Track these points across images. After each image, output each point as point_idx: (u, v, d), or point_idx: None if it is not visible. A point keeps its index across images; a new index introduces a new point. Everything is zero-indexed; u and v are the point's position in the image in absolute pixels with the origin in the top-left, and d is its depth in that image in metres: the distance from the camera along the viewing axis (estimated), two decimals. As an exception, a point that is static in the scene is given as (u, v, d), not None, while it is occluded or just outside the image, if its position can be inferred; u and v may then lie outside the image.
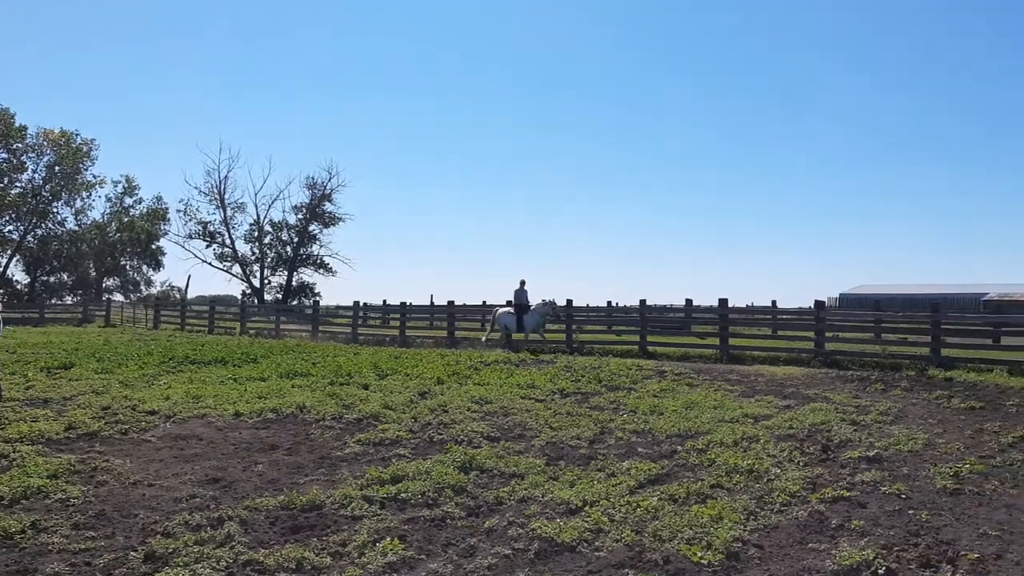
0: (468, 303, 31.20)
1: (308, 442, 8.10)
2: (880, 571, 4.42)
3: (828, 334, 17.28)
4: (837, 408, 10.09)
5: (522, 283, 21.64)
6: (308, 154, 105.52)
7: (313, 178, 52.72)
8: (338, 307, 32.08)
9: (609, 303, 35.96)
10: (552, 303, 21.18)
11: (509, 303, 22.26)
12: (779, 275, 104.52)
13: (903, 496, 6.05)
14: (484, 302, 31.46)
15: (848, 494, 6.04)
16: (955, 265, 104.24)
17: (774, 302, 31.43)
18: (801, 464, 7.07)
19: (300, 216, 52.95)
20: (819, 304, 17.92)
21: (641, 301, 20.87)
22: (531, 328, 20.96)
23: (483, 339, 21.48)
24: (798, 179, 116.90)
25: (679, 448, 7.77)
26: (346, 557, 4.68)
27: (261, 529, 5.21)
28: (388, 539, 4.91)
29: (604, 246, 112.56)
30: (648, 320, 20.05)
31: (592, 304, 32.73)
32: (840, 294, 57.63)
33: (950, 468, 6.89)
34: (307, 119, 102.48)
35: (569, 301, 21.74)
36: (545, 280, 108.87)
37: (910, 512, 5.64)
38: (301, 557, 4.58)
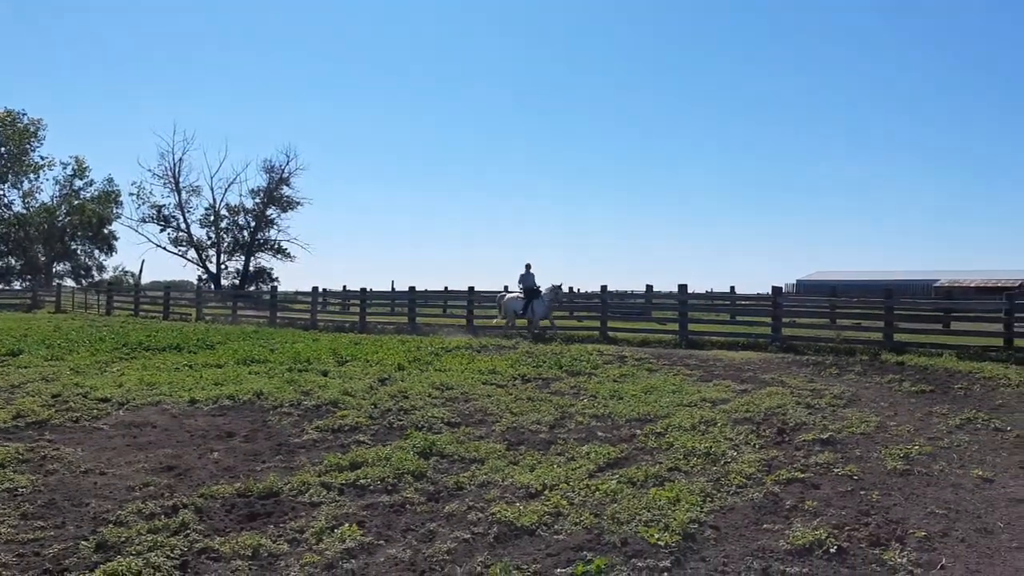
0: (430, 289, 31.08)
1: (265, 429, 7.99)
2: (831, 550, 4.52)
3: (785, 320, 17.60)
4: (793, 392, 10.28)
5: (528, 267, 20.43)
6: (266, 137, 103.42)
7: (271, 161, 51.88)
8: (297, 293, 31.71)
9: (571, 289, 36.15)
10: (559, 288, 20.30)
11: (506, 288, 21.38)
12: (738, 261, 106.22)
13: (855, 477, 6.19)
14: (446, 288, 31.36)
15: (802, 476, 6.17)
16: (908, 253, 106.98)
17: (733, 288, 31.94)
18: (757, 447, 7.19)
19: (257, 200, 52.11)
20: (776, 290, 18.20)
21: (602, 287, 21.05)
22: (541, 315, 19.75)
23: (494, 323, 20.88)
24: (758, 168, 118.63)
25: (638, 432, 7.85)
26: (303, 543, 4.63)
27: (217, 517, 5.12)
28: (346, 525, 4.87)
29: (563, 233, 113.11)
30: (609, 306, 20.20)
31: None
32: (797, 280, 58.68)
33: (900, 450, 7.07)
34: (266, 101, 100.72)
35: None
36: (505, 266, 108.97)
37: (861, 492, 5.78)
38: (257, 544, 4.52)
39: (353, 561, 4.37)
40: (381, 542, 4.66)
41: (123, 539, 4.60)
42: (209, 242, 52.70)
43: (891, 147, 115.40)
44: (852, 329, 17.35)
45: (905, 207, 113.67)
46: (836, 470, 6.38)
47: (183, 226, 51.40)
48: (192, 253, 51.89)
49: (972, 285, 51.09)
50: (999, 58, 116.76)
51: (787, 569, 4.23)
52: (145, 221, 50.87)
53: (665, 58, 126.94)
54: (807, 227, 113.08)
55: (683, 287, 19.20)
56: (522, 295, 19.88)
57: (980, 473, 6.33)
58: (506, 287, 23.46)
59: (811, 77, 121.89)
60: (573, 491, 5.66)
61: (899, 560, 4.39)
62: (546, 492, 5.63)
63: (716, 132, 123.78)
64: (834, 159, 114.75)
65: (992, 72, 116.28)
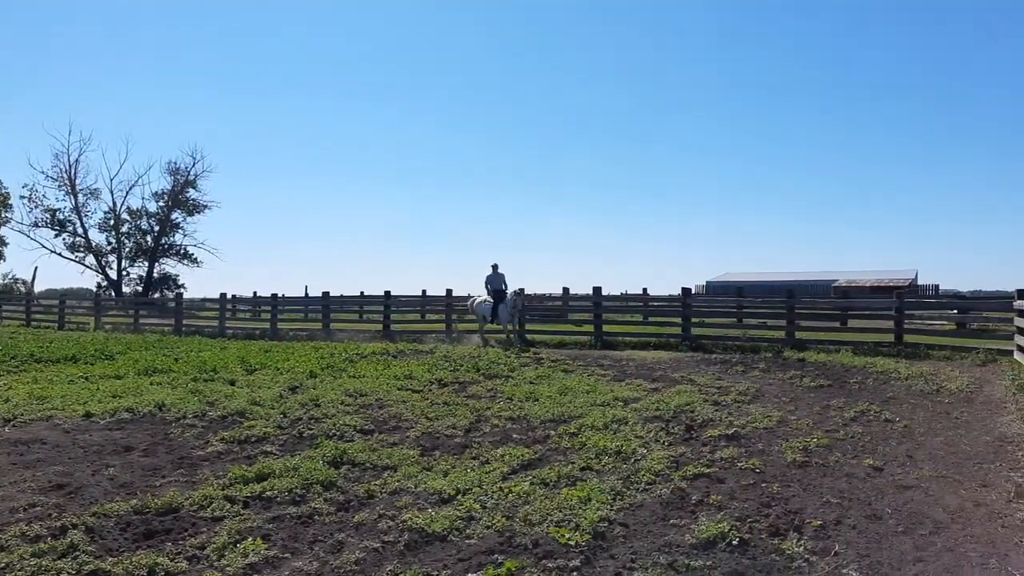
0: (345, 294, 30.56)
1: (167, 442, 7.66)
2: (734, 542, 4.66)
3: (694, 320, 18.13)
4: (701, 389, 10.60)
5: (495, 267, 19.29)
6: (170, 138, 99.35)
7: (176, 163, 49.96)
8: (204, 300, 30.57)
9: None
10: (521, 292, 18.81)
11: (469, 295, 19.93)
12: (652, 264, 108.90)
13: (757, 470, 6.42)
14: (362, 292, 30.93)
15: (708, 471, 6.35)
16: (810, 255, 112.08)
17: (645, 290, 32.63)
18: (666, 444, 7.37)
19: (161, 203, 50.03)
20: (686, 291, 18.73)
21: (520, 290, 21.10)
22: (505, 320, 18.49)
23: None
24: (671, 172, 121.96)
25: (552, 433, 7.91)
26: (204, 560, 4.45)
27: (110, 536, 4.86)
28: (250, 539, 4.70)
29: (479, 236, 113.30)
30: (527, 308, 20.34)
31: (473, 293, 32.84)
32: (707, 281, 60.56)
33: (800, 443, 7.37)
34: (169, 100, 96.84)
35: (449, 291, 21.72)
36: (420, 271, 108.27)
37: (763, 485, 5.99)
38: (153, 563, 4.32)
39: (257, 576, 4.24)
40: (287, 555, 4.52)
41: (2, 565, 4.31)
42: (109, 247, 50.30)
43: (796, 152, 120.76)
44: (758, 328, 18.04)
45: (808, 210, 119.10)
46: (740, 464, 6.59)
47: (80, 231, 48.89)
48: (90, 259, 49.42)
49: (867, 285, 53.90)
50: (898, 64, 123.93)
51: (692, 563, 4.34)
52: (38, 226, 48.09)
53: (566, 56, 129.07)
54: (718, 230, 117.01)
55: (597, 289, 19.55)
56: (490, 298, 18.72)
57: (871, 463, 6.66)
58: (460, 293, 22.79)
59: (721, 75, 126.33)
60: (486, 495, 5.65)
61: (796, 549, 4.56)
62: (459, 497, 5.60)
63: (629, 135, 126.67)
64: (743, 163, 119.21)
65: (896, 79, 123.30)
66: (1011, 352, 13.49)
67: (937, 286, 53.89)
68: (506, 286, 18.89)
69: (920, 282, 55.04)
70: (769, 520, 5.11)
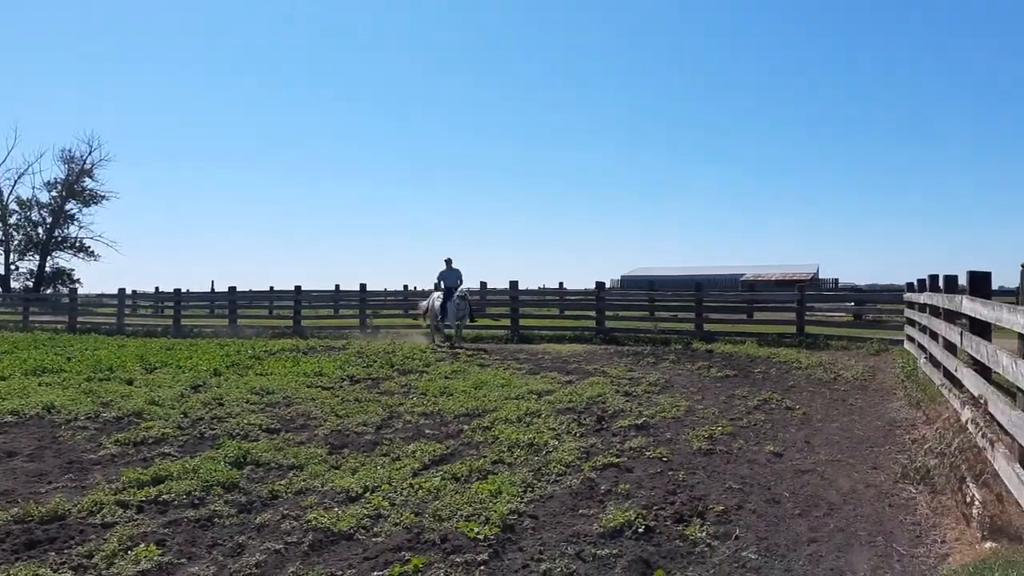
0: (254, 289, 29.68)
1: (55, 446, 7.22)
2: (640, 529, 4.74)
3: (608, 313, 18.44)
4: (613, 381, 10.78)
5: (448, 262, 17.98)
6: (65, 124, 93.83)
7: (70, 151, 46.98)
8: (102, 295, 29.10)
9: (405, 287, 35.89)
10: (465, 293, 17.69)
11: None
12: (568, 259, 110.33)
13: (664, 459, 6.55)
14: (272, 287, 30.11)
15: (617, 460, 6.44)
16: (720, 249, 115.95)
17: (562, 284, 33.04)
18: (578, 435, 7.44)
19: (55, 194, 47.19)
20: (600, 285, 19.02)
21: (435, 285, 20.96)
22: (452, 317, 17.14)
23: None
24: (587, 170, 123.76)
25: (465, 427, 7.87)
26: (91, 569, 4.19)
27: (-12, 548, 4.53)
28: (143, 545, 4.46)
29: (393, 230, 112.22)
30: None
31: (389, 288, 32.47)
32: (621, 276, 61.82)
33: (706, 431, 7.58)
34: (64, 83, 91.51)
35: (363, 285, 21.38)
36: (333, 267, 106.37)
37: (670, 473, 6.12)
38: (35, 575, 4.05)
39: (149, 583, 4.03)
40: (183, 560, 4.32)
41: None
42: (-5, 240, 47.13)
43: (708, 149, 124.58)
44: (669, 321, 18.50)
45: (719, 206, 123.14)
46: (648, 453, 6.72)
47: (-37, 223, 45.63)
48: (-26, 253, 46.18)
49: (772, 279, 56.14)
50: (795, 60, 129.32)
51: (598, 551, 4.38)
52: (-86, 217, 44.62)
53: (486, 50, 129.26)
54: (633, 225, 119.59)
55: (514, 283, 19.62)
56: (441, 295, 17.44)
57: (772, 449, 6.92)
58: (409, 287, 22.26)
59: (639, 71, 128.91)
60: (396, 491, 5.56)
61: (699, 534, 4.67)
62: (367, 494, 5.49)
63: (547, 128, 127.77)
64: (660, 159, 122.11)
65: (795, 76, 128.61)
66: (901, 342, 14.28)
67: (836, 280, 56.75)
68: (461, 282, 17.73)
69: (821, 276, 57.76)
70: (674, 507, 5.22)
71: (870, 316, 18.70)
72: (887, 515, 5.05)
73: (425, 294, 19.49)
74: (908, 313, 13.78)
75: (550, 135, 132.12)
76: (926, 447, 5.96)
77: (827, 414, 8.63)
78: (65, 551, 4.47)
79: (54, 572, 4.12)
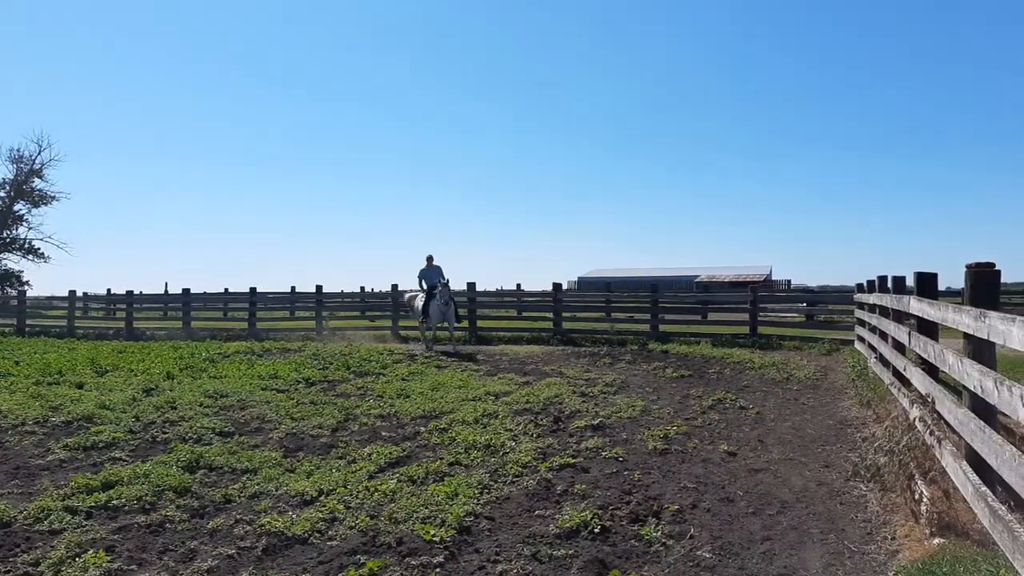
0: (209, 291, 29.12)
1: (1, 451, 7.02)
2: (596, 529, 4.77)
3: (566, 314, 18.52)
4: (570, 382, 10.84)
5: (429, 260, 16.87)
6: (13, 123, 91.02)
7: (19, 150, 45.90)
8: (51, 298, 28.27)
9: (363, 288, 35.57)
10: (450, 291, 16.52)
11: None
12: (526, 260, 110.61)
13: (620, 459, 6.62)
14: (226, 289, 29.60)
15: (574, 461, 6.48)
16: (675, 251, 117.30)
17: (519, 285, 33.08)
18: (535, 436, 7.47)
19: (2, 194, 45.73)
20: (557, 287, 19.11)
21: (393, 286, 20.86)
22: (435, 317, 16.01)
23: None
24: (545, 172, 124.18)
25: (422, 429, 7.85)
26: (38, 578, 4.09)
27: (-72, 558, 4.39)
28: (92, 552, 4.36)
29: (356, 232, 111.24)
30: (401, 306, 20.09)
31: (346, 290, 32.14)
32: (579, 277, 62.16)
33: (661, 431, 7.67)
34: (13, 81, 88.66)
35: (319, 287, 21.15)
36: (292, 267, 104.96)
37: (625, 473, 6.18)
38: (-22, 585, 3.94)
39: (98, 591, 3.94)
40: (132, 567, 4.23)
41: None
42: (-60, 241, 45.50)
43: (664, 149, 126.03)
44: (625, 322, 18.66)
45: (674, 208, 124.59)
46: (604, 453, 6.77)
47: (-94, 221, 43.93)
48: (-83, 254, 44.51)
49: (726, 280, 57.00)
50: (753, 61, 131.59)
51: (554, 552, 4.40)
52: None
53: (450, 50, 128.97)
54: (591, 227, 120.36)
55: (471, 284, 19.59)
56: (446, 293, 16.18)
57: (726, 448, 7.03)
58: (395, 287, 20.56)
59: (598, 71, 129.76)
60: (351, 494, 5.52)
61: (655, 534, 4.72)
62: (322, 498, 5.44)
63: (506, 130, 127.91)
64: (615, 160, 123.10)
65: (749, 76, 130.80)
66: (852, 342, 14.62)
67: (789, 281, 57.78)
68: (444, 280, 16.42)
69: (774, 277, 58.79)
70: (630, 507, 5.27)
71: (822, 317, 19.10)
72: (839, 512, 5.16)
73: (380, 295, 19.19)
74: (859, 314, 14.09)
75: (509, 135, 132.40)
76: (876, 445, 6.09)
77: (780, 413, 8.80)
78: (10, 559, 4.35)
79: (-3, 581, 4.01)
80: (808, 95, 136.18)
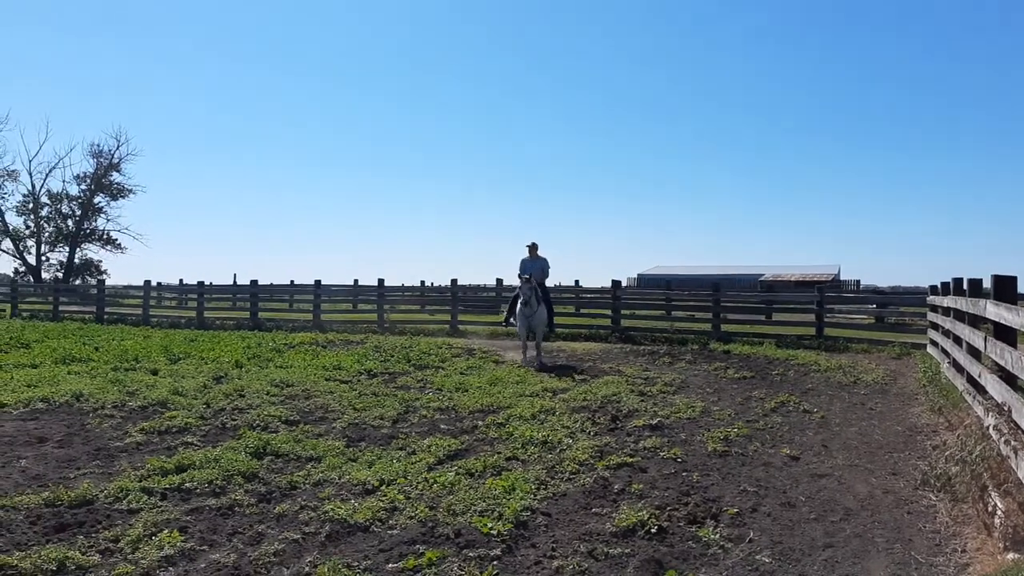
0: (275, 282, 29.94)
1: (83, 433, 7.39)
2: (653, 529, 4.76)
3: (625, 312, 18.41)
4: (628, 380, 10.78)
5: (531, 248, 13.69)
6: (94, 119, 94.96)
7: (99, 145, 47.81)
8: (128, 287, 29.50)
9: (423, 282, 36.05)
10: (543, 290, 13.50)
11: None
12: (585, 256, 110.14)
13: (679, 460, 6.57)
14: (292, 281, 30.38)
15: (631, 460, 6.46)
16: (738, 249, 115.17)
17: (577, 281, 32.96)
18: (592, 434, 7.47)
19: (84, 187, 47.94)
20: (615, 284, 18.99)
21: (453, 280, 21.09)
22: (520, 329, 13.22)
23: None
24: (606, 168, 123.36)
25: (480, 423, 7.94)
26: (118, 554, 4.31)
27: (19, 530, 4.66)
28: (167, 531, 4.57)
29: (416, 225, 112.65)
30: (460, 299, 20.30)
31: (406, 283, 32.62)
32: (638, 274, 61.64)
33: (721, 433, 7.57)
34: (93, 78, 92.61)
35: (381, 280, 21.51)
36: (356, 259, 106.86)
37: (684, 474, 6.14)
38: (64, 557, 4.16)
39: (172, 569, 4.12)
40: (204, 547, 4.42)
41: (-100, 561, 4.09)
42: (28, 232, 47.94)
43: (730, 150, 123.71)
44: (685, 320, 18.44)
45: (741, 207, 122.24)
46: (662, 454, 6.73)
47: (-4, 214, 46.43)
48: (7, 244, 46.96)
49: (792, 279, 55.71)
50: (823, 65, 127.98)
51: (611, 550, 4.42)
52: (-51, 209, 45.48)
53: (510, 44, 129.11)
54: (653, 224, 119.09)
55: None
56: (528, 291, 12.84)
57: (788, 452, 6.90)
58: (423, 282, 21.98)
59: (658, 72, 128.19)
60: (411, 485, 5.63)
61: (713, 536, 4.68)
62: (383, 487, 5.57)
63: (565, 128, 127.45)
64: (678, 160, 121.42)
65: (822, 81, 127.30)
66: (924, 346, 14.13)
67: (858, 281, 56.15)
68: (545, 275, 13.71)
69: (842, 277, 57.17)
70: (688, 508, 5.23)
71: (892, 319, 18.49)
72: (906, 522, 5.02)
73: (438, 288, 19.12)
74: (931, 317, 13.62)
75: (569, 132, 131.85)
76: (947, 454, 5.91)
77: (846, 418, 8.59)
78: (93, 535, 4.60)
79: (82, 555, 4.24)
80: (885, 89, 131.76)
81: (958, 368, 8.89)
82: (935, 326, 12.76)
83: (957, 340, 9.08)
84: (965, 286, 9.36)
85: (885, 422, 8.36)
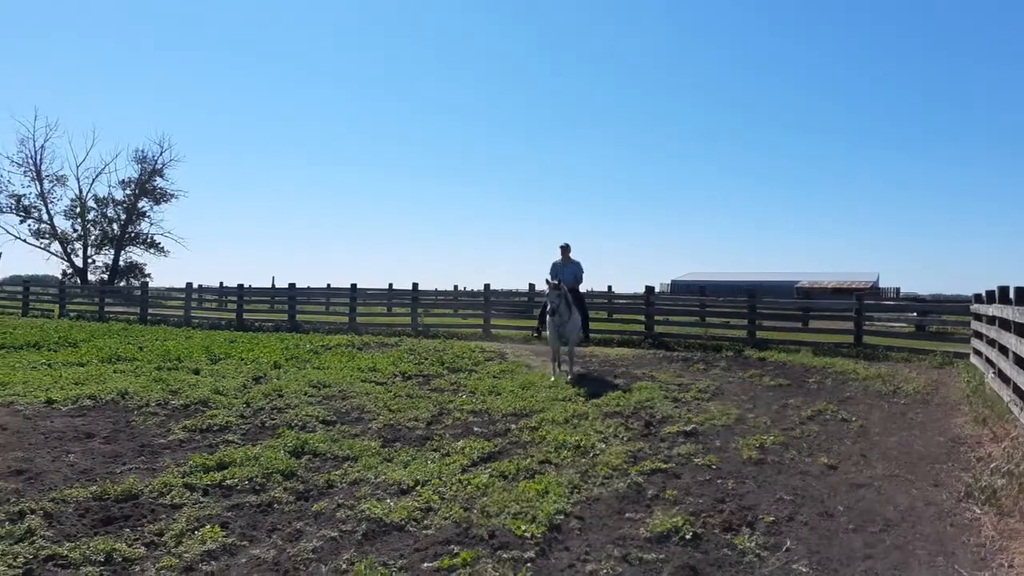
0: (312, 286, 30.33)
1: (128, 430, 7.60)
2: (687, 536, 4.75)
3: (658, 318, 18.29)
4: (661, 386, 10.72)
5: (564, 250, 12.48)
6: (138, 125, 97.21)
7: (143, 151, 49.21)
8: (170, 289, 30.21)
9: (456, 287, 36.22)
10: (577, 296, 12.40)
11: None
12: (618, 261, 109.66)
13: (713, 467, 6.53)
14: (328, 284, 30.73)
15: (665, 466, 6.44)
16: (774, 255, 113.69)
17: (610, 287, 32.83)
18: (625, 439, 7.46)
19: (128, 192, 49.17)
20: (649, 289, 18.88)
21: (485, 285, 21.15)
22: (551, 340, 11.90)
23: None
24: (638, 173, 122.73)
25: (513, 426, 7.98)
26: (162, 547, 4.44)
27: (69, 522, 4.83)
28: (209, 526, 4.70)
29: (447, 229, 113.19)
30: (492, 304, 20.36)
31: (440, 288, 32.80)
32: (672, 280, 61.14)
33: (756, 440, 7.50)
34: (137, 87, 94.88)
35: (415, 284, 21.68)
36: (387, 262, 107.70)
37: (718, 481, 6.10)
38: (111, 549, 4.30)
39: (214, 563, 4.23)
40: (244, 543, 4.53)
41: (-41, 548, 4.27)
42: (75, 235, 49.27)
43: (765, 155, 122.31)
44: (720, 327, 18.25)
45: (776, 214, 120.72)
46: (697, 460, 6.70)
47: (46, 217, 47.80)
48: (56, 246, 48.34)
49: (829, 286, 54.80)
50: (859, 72, 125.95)
51: (645, 556, 4.42)
52: (3, 211, 46.92)
53: (550, 52, 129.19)
54: (686, 229, 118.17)
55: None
56: (556, 299, 11.37)
57: (826, 461, 6.81)
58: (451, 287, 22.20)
59: (687, 78, 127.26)
60: (445, 486, 5.69)
61: (748, 544, 4.65)
62: (418, 488, 5.64)
63: (600, 134, 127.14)
64: (713, 165, 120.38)
65: (859, 87, 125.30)
66: (967, 355, 13.82)
67: (898, 289, 55.09)
68: (579, 281, 12.60)
69: (881, 285, 56.10)
70: (723, 515, 5.21)
71: (934, 328, 18.10)
72: (949, 535, 4.93)
73: (471, 293, 19.06)
74: (975, 325, 13.32)
75: (605, 138, 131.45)
76: (992, 466, 5.79)
77: (885, 428, 8.45)
78: (138, 528, 4.75)
79: (128, 547, 4.38)
80: (925, 91, 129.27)
81: (1004, 378, 8.69)
82: (979, 335, 12.48)
83: (1003, 350, 8.88)
84: (1012, 294, 9.15)
85: (926, 432, 8.21)
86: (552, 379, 11.38)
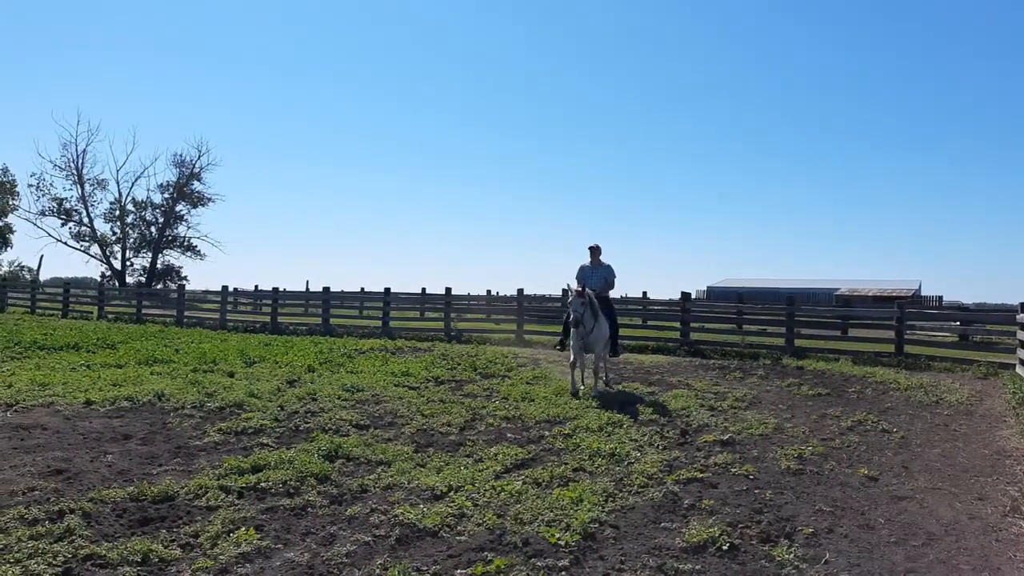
0: (346, 289, 30.54)
1: (165, 431, 7.69)
2: (724, 547, 4.67)
3: (694, 324, 18.08)
4: (697, 394, 10.58)
5: (593, 251, 11.53)
6: (176, 129, 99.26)
7: (181, 155, 50.27)
8: (206, 292, 30.65)
9: (489, 292, 36.22)
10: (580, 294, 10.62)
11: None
12: (653, 267, 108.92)
13: (751, 477, 6.42)
14: (362, 288, 30.97)
15: (701, 475, 6.34)
16: (812, 262, 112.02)
17: (645, 293, 32.58)
18: (660, 448, 7.37)
19: (166, 195, 50.24)
20: (685, 296, 18.69)
21: (519, 290, 21.13)
22: (574, 351, 10.65)
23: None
24: (675, 178, 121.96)
25: (547, 433, 7.92)
26: (197, 548, 4.48)
27: (107, 522, 4.89)
28: (243, 529, 4.73)
29: (485, 233, 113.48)
30: (525, 309, 20.31)
31: (472, 292, 32.82)
32: (708, 287, 60.58)
33: (795, 450, 7.37)
34: (176, 92, 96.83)
35: (448, 289, 21.72)
36: (419, 268, 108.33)
37: (756, 491, 5.99)
38: (148, 549, 4.34)
39: (248, 565, 4.25)
40: (279, 546, 4.55)
41: (1, 546, 4.34)
42: (114, 238, 50.50)
43: (804, 163, 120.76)
44: (757, 335, 17.99)
45: (815, 221, 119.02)
46: (734, 470, 6.59)
47: (86, 220, 49.11)
48: (95, 249, 49.61)
49: (869, 294, 53.83)
50: (900, 77, 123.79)
51: (681, 566, 4.34)
52: (45, 214, 48.31)
53: (566, 56, 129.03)
54: (722, 236, 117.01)
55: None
56: (580, 308, 10.32)
57: (866, 472, 6.66)
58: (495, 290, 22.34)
59: (726, 83, 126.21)
60: (478, 492, 5.66)
61: (786, 556, 4.56)
62: (451, 494, 5.62)
63: (633, 139, 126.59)
64: (750, 172, 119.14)
65: (899, 93, 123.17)
66: (1013, 365, 13.43)
67: (941, 297, 53.82)
68: (610, 286, 11.65)
69: (924, 293, 54.94)
70: (760, 526, 5.11)
71: (978, 337, 17.61)
72: (994, 550, 4.80)
73: (505, 298, 19.12)
74: (1021, 335, 12.96)
75: (639, 144, 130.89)
76: (1040, 480, 5.62)
77: (928, 439, 8.24)
78: (174, 529, 4.79)
79: (165, 548, 4.42)
80: (967, 97, 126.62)
81: (1051, 390, 8.43)
82: (1026, 345, 12.13)
83: (1051, 360, 8.61)
84: (1060, 304, 8.88)
85: (970, 444, 7.99)
86: (572, 393, 10.34)
